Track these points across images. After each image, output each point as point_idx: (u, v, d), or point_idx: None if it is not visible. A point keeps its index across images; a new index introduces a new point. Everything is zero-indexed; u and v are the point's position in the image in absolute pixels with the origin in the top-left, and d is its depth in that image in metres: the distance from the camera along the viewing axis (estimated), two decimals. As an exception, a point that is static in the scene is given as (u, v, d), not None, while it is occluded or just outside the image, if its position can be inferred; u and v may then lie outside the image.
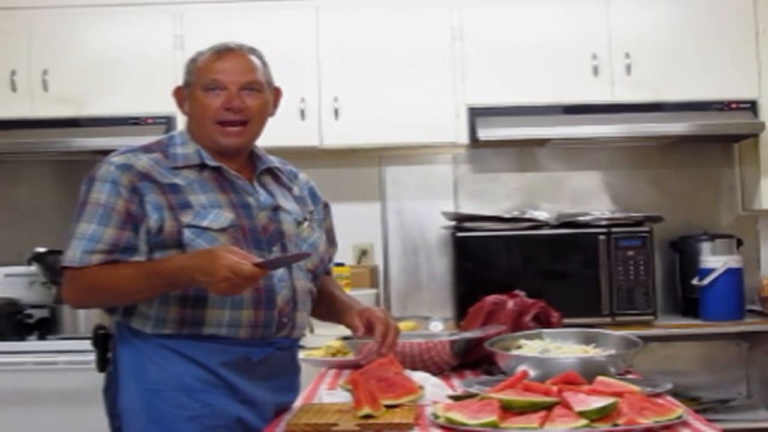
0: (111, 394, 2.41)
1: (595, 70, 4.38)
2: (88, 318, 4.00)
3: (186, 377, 2.32)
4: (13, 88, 4.37)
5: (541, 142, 4.62)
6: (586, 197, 4.77)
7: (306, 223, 2.52)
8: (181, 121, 2.55)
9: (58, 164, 4.72)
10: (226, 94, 2.40)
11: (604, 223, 4.36)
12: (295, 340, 2.50)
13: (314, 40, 4.41)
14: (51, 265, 4.17)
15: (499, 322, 2.84)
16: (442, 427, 1.95)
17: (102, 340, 2.52)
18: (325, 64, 4.40)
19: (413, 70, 4.40)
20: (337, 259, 2.90)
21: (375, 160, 4.77)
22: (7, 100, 4.37)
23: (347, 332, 2.67)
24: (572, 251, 4.35)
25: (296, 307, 2.43)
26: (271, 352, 2.41)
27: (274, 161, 2.57)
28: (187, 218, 2.31)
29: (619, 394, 1.96)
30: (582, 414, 1.86)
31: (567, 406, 1.90)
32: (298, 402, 2.43)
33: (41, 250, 4.26)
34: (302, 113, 4.35)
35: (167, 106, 2.59)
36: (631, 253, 4.29)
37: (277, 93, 2.55)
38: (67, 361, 3.93)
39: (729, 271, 4.29)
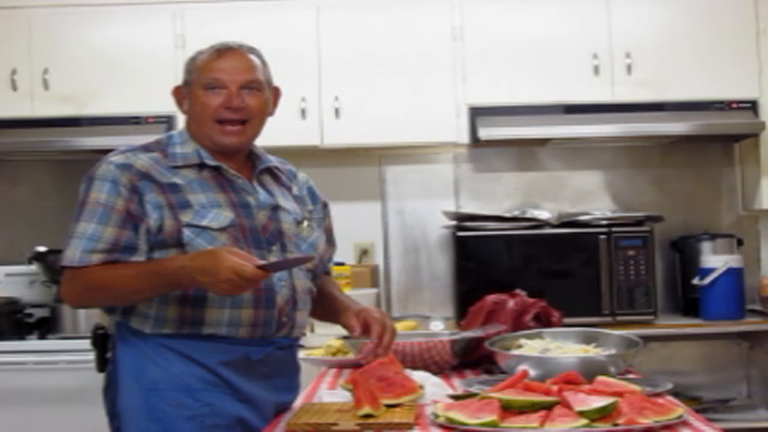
0: (110, 393, 2.41)
1: (596, 70, 4.38)
2: (88, 317, 4.00)
3: (186, 377, 2.32)
4: (14, 88, 4.37)
5: (542, 142, 4.62)
6: (587, 197, 4.77)
7: (305, 223, 2.52)
8: (182, 121, 2.54)
9: (58, 164, 4.72)
10: (226, 93, 2.40)
11: (604, 222, 4.36)
12: (295, 340, 2.50)
13: (315, 39, 4.41)
14: (51, 265, 4.17)
15: (499, 321, 2.84)
16: (442, 426, 1.95)
17: (101, 340, 2.52)
18: (326, 64, 4.40)
19: (414, 70, 4.40)
20: (337, 258, 2.90)
21: (376, 159, 4.77)
22: (8, 99, 4.37)
23: (347, 332, 2.67)
24: (573, 251, 4.35)
25: (296, 307, 2.43)
26: (271, 351, 2.41)
27: (274, 161, 2.56)
28: (186, 217, 2.31)
29: (620, 394, 1.96)
30: (582, 414, 1.86)
31: (567, 405, 1.90)
32: (299, 401, 2.43)
33: (41, 249, 4.26)
34: (303, 112, 4.35)
35: (168, 105, 2.58)
36: (631, 252, 4.29)
37: (276, 92, 2.55)
38: (68, 361, 3.93)
39: (729, 271, 4.28)
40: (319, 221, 2.62)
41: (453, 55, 4.41)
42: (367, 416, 2.02)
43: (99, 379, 2.47)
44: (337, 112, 4.37)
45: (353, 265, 4.57)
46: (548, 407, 1.91)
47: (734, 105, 4.38)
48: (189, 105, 2.47)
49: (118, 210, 2.30)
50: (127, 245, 2.30)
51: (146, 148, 2.42)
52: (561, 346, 2.53)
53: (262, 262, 2.18)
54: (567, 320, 2.95)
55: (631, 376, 2.43)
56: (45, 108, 4.37)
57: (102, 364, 2.50)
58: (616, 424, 1.85)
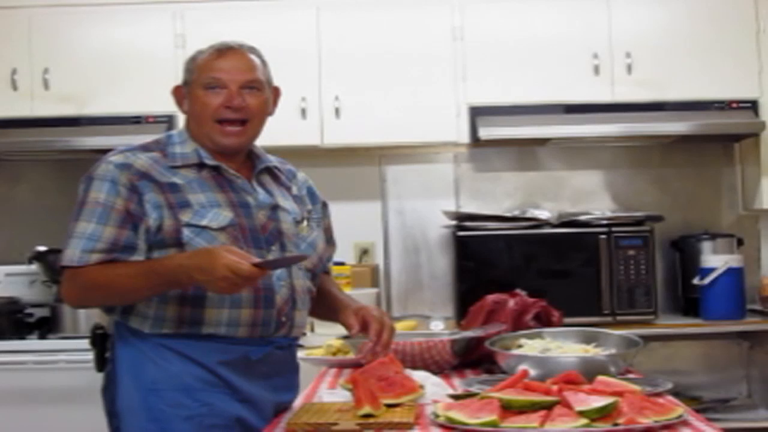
0: (109, 393, 2.41)
1: (596, 70, 4.38)
2: (88, 317, 4.00)
3: (185, 376, 2.32)
4: (14, 87, 4.37)
5: (542, 142, 4.62)
6: (587, 196, 4.77)
7: (305, 222, 2.52)
8: (182, 121, 2.54)
9: (58, 163, 4.72)
10: (227, 93, 2.40)
11: (604, 222, 4.36)
12: (294, 339, 2.50)
13: (315, 39, 4.41)
14: (51, 264, 4.17)
15: (499, 321, 2.84)
16: (442, 426, 1.95)
17: (100, 340, 2.52)
18: (326, 63, 4.40)
19: (414, 70, 4.39)
20: (337, 257, 2.90)
21: (376, 159, 4.77)
22: (8, 99, 4.37)
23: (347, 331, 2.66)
24: (573, 250, 4.34)
25: (295, 306, 2.43)
26: (270, 351, 2.41)
27: (273, 160, 2.56)
28: (186, 217, 2.31)
29: (620, 394, 1.96)
30: (582, 413, 1.86)
31: (567, 405, 1.90)
32: (299, 401, 2.43)
33: (42, 249, 4.26)
34: (303, 112, 4.35)
35: (168, 105, 2.58)
36: (631, 252, 4.29)
37: (276, 92, 2.55)
38: (68, 360, 3.93)
39: (730, 271, 4.28)
40: (319, 221, 2.62)
41: (453, 54, 4.41)
42: (368, 416, 2.02)
43: (99, 378, 2.47)
44: (337, 111, 4.37)
45: (353, 264, 4.57)
46: (548, 407, 1.91)
47: (734, 105, 4.38)
48: (189, 104, 2.47)
49: (118, 210, 2.30)
50: (126, 245, 2.30)
51: (145, 148, 2.42)
52: (561, 346, 2.53)
53: (258, 261, 2.18)
54: (567, 320, 2.95)
55: (631, 375, 2.43)
56: (45, 108, 4.37)
57: (101, 363, 2.50)
58: (616, 424, 1.85)
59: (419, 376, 2.39)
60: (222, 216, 2.34)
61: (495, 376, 2.45)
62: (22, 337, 4.18)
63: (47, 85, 4.37)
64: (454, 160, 4.80)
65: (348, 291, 3.48)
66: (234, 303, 2.31)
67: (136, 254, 2.30)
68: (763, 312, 4.39)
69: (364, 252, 4.75)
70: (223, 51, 2.43)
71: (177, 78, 2.52)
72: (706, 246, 4.44)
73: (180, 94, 2.50)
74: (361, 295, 3.67)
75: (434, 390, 2.31)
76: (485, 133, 4.32)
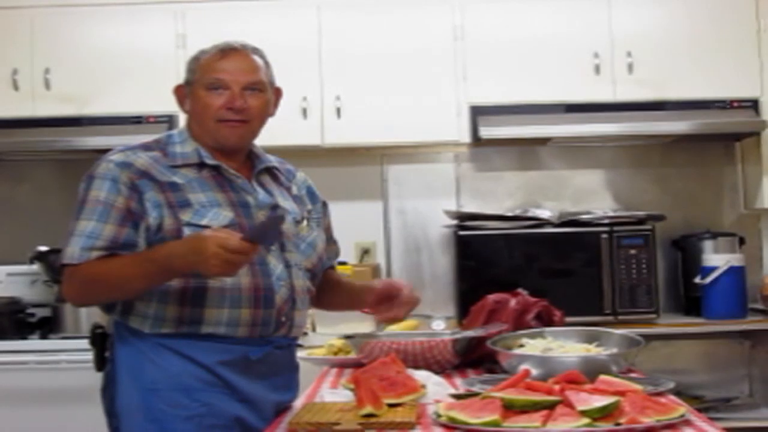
0: (109, 393, 2.41)
1: (597, 69, 4.38)
2: (89, 317, 3.99)
3: (184, 376, 2.32)
4: (15, 87, 4.37)
5: (543, 141, 4.62)
6: (589, 196, 4.77)
7: (304, 222, 2.53)
8: (183, 121, 2.54)
9: (60, 163, 4.72)
10: (229, 94, 2.40)
11: (606, 221, 4.35)
12: (294, 339, 2.50)
13: (316, 38, 4.41)
14: (53, 264, 4.17)
15: (501, 320, 2.84)
16: (444, 426, 1.95)
17: (100, 340, 2.52)
18: (327, 63, 4.40)
19: (415, 69, 4.40)
20: (338, 257, 2.89)
21: (377, 158, 4.77)
22: (9, 99, 4.37)
23: (349, 331, 2.66)
24: (574, 250, 4.34)
25: (295, 306, 2.43)
26: (270, 350, 2.41)
27: (273, 160, 2.57)
28: (186, 216, 2.31)
29: (621, 393, 1.96)
30: (584, 413, 1.86)
31: (569, 405, 1.90)
32: (300, 401, 2.43)
33: (43, 248, 4.26)
34: (304, 112, 4.36)
35: (169, 104, 2.58)
36: (633, 251, 4.29)
37: (277, 93, 2.55)
38: (69, 360, 3.93)
39: (731, 270, 4.28)
40: (318, 221, 2.63)
41: (454, 54, 4.41)
42: (369, 416, 2.02)
43: (100, 378, 2.47)
44: (338, 111, 4.37)
45: (355, 264, 4.57)
46: (550, 406, 1.90)
47: (735, 104, 4.38)
48: (191, 104, 2.47)
49: (118, 208, 2.30)
50: (126, 242, 2.30)
51: (146, 147, 2.42)
52: (563, 346, 2.53)
53: (244, 234, 2.16)
54: (568, 319, 2.95)
55: (632, 375, 2.43)
56: (46, 108, 4.37)
57: (100, 363, 2.50)
58: (618, 424, 1.85)
59: (421, 375, 2.39)
60: (222, 215, 2.35)
61: (496, 375, 2.45)
62: (23, 337, 4.18)
63: (48, 85, 4.37)
64: (455, 159, 4.80)
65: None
66: (234, 303, 2.31)
67: (135, 252, 2.30)
68: (765, 311, 4.38)
69: (366, 252, 4.75)
70: (227, 52, 2.43)
71: (178, 78, 2.52)
72: (708, 245, 4.44)
73: (181, 93, 2.50)
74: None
75: (436, 390, 2.30)
76: (486, 132, 4.32)
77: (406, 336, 2.94)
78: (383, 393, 2.14)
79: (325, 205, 2.71)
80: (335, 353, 3.00)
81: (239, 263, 2.16)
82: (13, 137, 4.38)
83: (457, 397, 2.18)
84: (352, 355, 2.84)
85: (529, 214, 4.48)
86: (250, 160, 2.52)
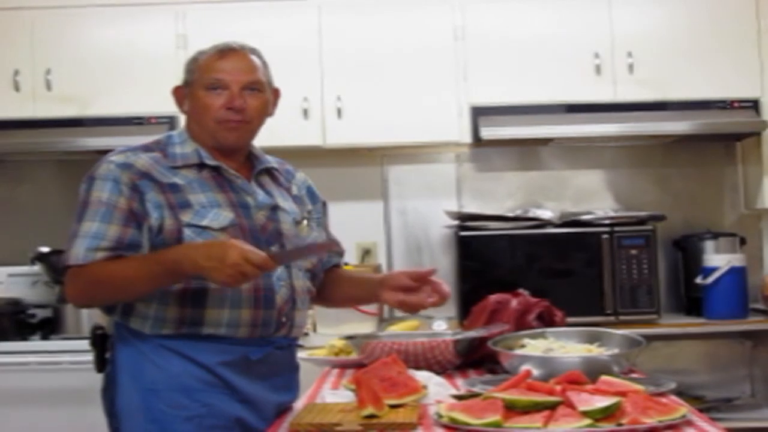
0: (109, 394, 2.41)
1: (598, 69, 4.38)
2: (90, 318, 3.99)
3: (184, 377, 2.32)
4: (16, 88, 4.37)
5: (544, 141, 4.62)
6: (589, 196, 4.77)
7: (304, 223, 2.53)
8: (184, 121, 2.54)
9: (61, 164, 4.73)
10: (228, 94, 2.40)
11: (607, 222, 4.35)
12: (294, 339, 2.51)
13: (317, 39, 4.41)
14: (54, 265, 4.17)
15: (502, 321, 2.84)
16: (445, 426, 1.95)
17: (100, 340, 2.52)
18: (328, 64, 4.40)
19: (416, 70, 4.40)
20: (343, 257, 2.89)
21: (378, 159, 4.77)
22: (10, 99, 4.37)
23: (350, 331, 2.66)
24: (575, 250, 4.34)
25: (295, 306, 2.43)
26: (270, 351, 2.41)
27: (272, 161, 2.57)
28: (186, 217, 2.32)
29: (623, 394, 1.96)
30: (586, 413, 1.86)
31: (570, 405, 1.90)
32: (302, 402, 2.43)
33: (44, 249, 4.26)
34: (305, 113, 4.36)
35: (170, 105, 2.58)
36: (634, 251, 4.29)
37: (276, 93, 2.55)
38: (70, 361, 3.93)
39: (732, 270, 4.28)
40: (319, 221, 2.63)
41: (455, 54, 4.41)
42: (371, 416, 2.02)
43: (101, 379, 2.47)
44: (339, 112, 4.37)
45: (356, 265, 4.57)
46: (552, 407, 1.90)
47: (736, 104, 4.38)
48: (190, 105, 2.47)
49: (121, 208, 2.30)
50: (131, 243, 2.30)
51: (146, 148, 2.43)
52: (564, 346, 2.53)
53: (272, 252, 2.18)
54: (570, 320, 2.95)
55: (634, 375, 2.43)
56: (47, 108, 4.37)
57: (101, 364, 2.50)
58: (619, 424, 1.85)
59: (422, 376, 2.38)
60: (222, 216, 2.35)
61: (498, 376, 2.45)
62: (24, 338, 4.18)
63: (49, 86, 4.38)
64: (456, 160, 4.80)
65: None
66: (234, 303, 2.32)
67: (140, 252, 2.31)
68: (766, 311, 4.39)
69: (367, 252, 4.75)
70: (225, 52, 2.44)
71: (179, 78, 2.52)
72: (709, 245, 4.44)
73: (180, 94, 2.50)
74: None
75: (437, 390, 2.30)
76: (487, 132, 4.32)
77: (408, 336, 2.94)
78: (384, 394, 2.14)
79: (324, 205, 2.71)
80: (336, 354, 3.00)
81: (252, 278, 2.17)
82: (14, 138, 4.38)
83: (459, 397, 2.18)
84: (354, 356, 2.84)
85: (530, 215, 4.48)
86: (249, 161, 2.53)
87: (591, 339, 2.58)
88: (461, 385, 2.45)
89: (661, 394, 2.17)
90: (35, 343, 4.13)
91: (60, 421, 3.92)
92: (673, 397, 2.18)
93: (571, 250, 4.35)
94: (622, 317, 4.26)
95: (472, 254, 4.37)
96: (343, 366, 2.88)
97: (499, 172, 4.80)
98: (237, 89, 2.41)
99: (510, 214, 4.51)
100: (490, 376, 2.49)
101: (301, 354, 2.64)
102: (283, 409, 2.40)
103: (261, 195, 2.46)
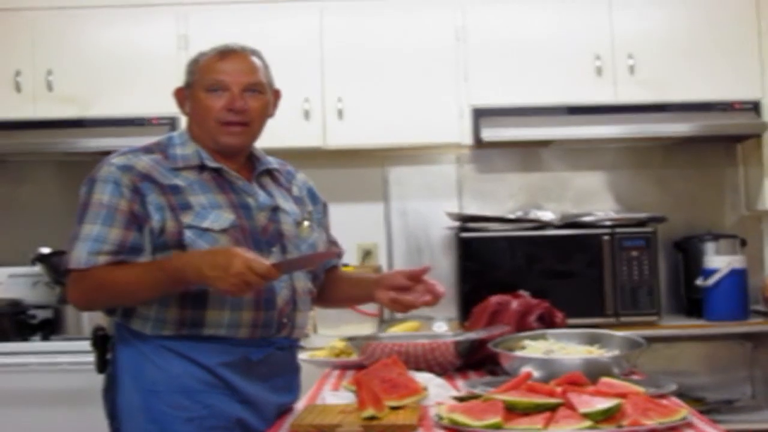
0: (110, 395, 2.42)
1: (599, 71, 4.38)
2: (91, 319, 3.99)
3: (185, 378, 2.32)
4: (17, 89, 4.38)
5: (545, 143, 4.62)
6: (590, 197, 4.77)
7: (305, 224, 2.53)
8: (185, 122, 2.54)
9: (62, 165, 4.73)
10: (229, 95, 2.41)
11: (608, 223, 4.35)
12: (295, 340, 2.51)
13: (318, 40, 4.41)
14: (55, 266, 4.18)
15: (503, 322, 2.84)
16: (446, 428, 1.95)
17: (101, 341, 2.52)
18: (329, 65, 4.40)
19: (417, 71, 4.40)
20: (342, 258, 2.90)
21: (379, 160, 4.77)
22: (11, 100, 4.37)
23: (350, 333, 2.65)
24: (576, 251, 4.35)
25: (296, 307, 2.43)
26: (271, 352, 2.41)
27: (273, 162, 2.57)
28: (187, 219, 2.32)
29: (624, 395, 1.96)
30: (586, 415, 1.86)
31: (571, 407, 1.90)
32: (302, 403, 2.43)
33: (45, 250, 4.27)
34: (306, 114, 4.36)
35: (172, 106, 2.59)
36: (635, 253, 4.29)
37: (276, 94, 2.55)
38: (71, 362, 3.93)
39: (733, 272, 4.28)
40: (320, 222, 2.63)
41: (456, 56, 4.42)
42: (371, 418, 2.02)
43: (101, 380, 2.47)
44: (340, 113, 4.37)
45: (356, 266, 4.58)
46: (552, 409, 1.90)
47: (737, 106, 4.38)
48: (191, 106, 2.47)
49: (122, 211, 2.30)
50: (133, 246, 2.30)
51: (147, 150, 2.43)
52: (565, 347, 2.52)
53: (276, 262, 2.19)
54: (570, 321, 2.95)
55: (634, 377, 2.43)
56: (48, 109, 4.37)
57: (102, 365, 2.50)
58: (620, 426, 1.85)
59: (422, 377, 2.38)
60: (223, 218, 2.35)
61: (498, 377, 2.45)
62: (25, 339, 4.18)
63: (50, 87, 4.38)
64: (457, 161, 4.80)
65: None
66: (235, 305, 2.31)
67: (142, 256, 2.31)
68: (767, 313, 4.39)
69: (367, 253, 4.75)
70: (226, 53, 2.44)
71: (180, 80, 2.52)
72: (709, 247, 4.43)
73: (182, 95, 2.51)
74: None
75: (438, 392, 2.30)
76: (488, 134, 4.32)
77: (408, 338, 2.94)
78: (385, 395, 2.14)
79: (325, 206, 2.71)
80: (337, 355, 3.00)
81: (256, 287, 2.18)
82: (14, 139, 4.38)
83: (459, 399, 2.18)
84: (354, 357, 2.84)
85: (531, 216, 4.48)
86: (250, 162, 2.53)
87: (591, 340, 2.58)
88: (462, 386, 2.45)
89: (662, 396, 2.17)
90: (36, 344, 4.13)
91: (60, 421, 3.92)
92: (674, 399, 2.18)
93: (571, 252, 4.35)
94: (622, 319, 4.26)
95: (473, 255, 4.37)
96: (344, 367, 2.88)
97: (499, 173, 4.80)
98: (238, 91, 2.41)
99: (511, 216, 4.51)
100: (490, 378, 2.49)
101: (301, 355, 2.64)
102: (284, 410, 2.40)
103: (262, 196, 2.46)
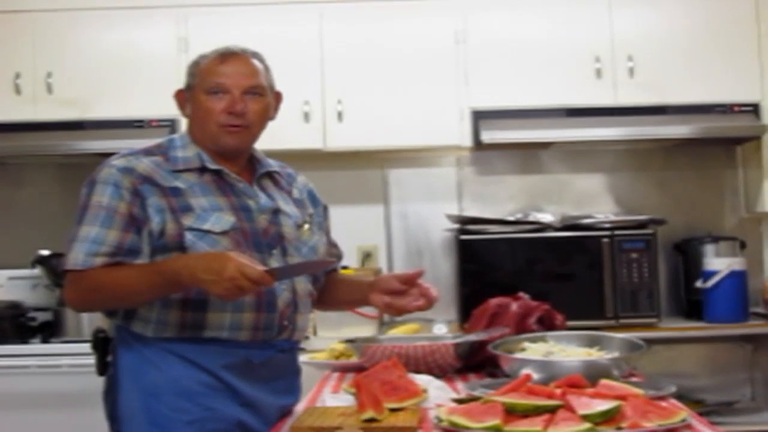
0: (111, 397, 2.42)
1: (598, 73, 4.38)
2: (91, 321, 4.00)
3: (186, 381, 2.32)
4: (17, 91, 4.38)
5: (545, 145, 4.62)
6: (590, 200, 4.77)
7: (306, 226, 2.53)
8: (185, 124, 2.55)
9: (61, 167, 4.73)
10: (229, 98, 2.41)
11: (607, 225, 4.36)
12: (296, 343, 2.51)
13: (318, 43, 4.41)
14: (54, 268, 4.18)
15: (502, 324, 2.84)
16: (445, 430, 1.95)
17: (102, 344, 2.52)
18: (329, 67, 4.40)
19: (417, 73, 4.40)
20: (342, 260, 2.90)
21: (379, 162, 4.77)
22: (11, 102, 4.38)
23: (350, 335, 2.65)
24: (576, 254, 4.35)
25: (297, 310, 2.43)
26: (272, 354, 2.41)
27: (274, 165, 2.57)
28: (188, 221, 2.32)
29: (623, 397, 1.96)
30: (586, 417, 1.86)
31: (571, 409, 1.90)
32: (302, 405, 2.43)
33: (45, 252, 4.27)
34: (306, 116, 4.36)
35: (172, 108, 2.59)
36: (634, 255, 4.29)
37: (278, 97, 2.55)
38: (71, 365, 3.93)
39: (733, 274, 4.28)
40: (320, 224, 2.63)
41: (456, 58, 4.42)
42: (371, 420, 2.02)
43: (101, 383, 2.47)
44: (340, 115, 4.38)
45: (356, 268, 4.58)
46: (552, 411, 1.90)
47: (736, 108, 4.38)
48: (191, 109, 2.47)
49: (121, 213, 2.31)
50: (130, 248, 2.30)
51: (147, 152, 2.43)
52: (564, 350, 2.52)
53: (269, 268, 2.19)
54: (570, 323, 2.95)
55: (634, 379, 2.43)
56: (48, 111, 4.37)
57: (102, 367, 2.50)
58: (619, 428, 1.85)
59: (422, 379, 2.38)
60: (224, 220, 2.35)
61: (498, 379, 2.45)
62: (24, 341, 4.18)
63: (50, 89, 4.38)
64: (457, 163, 4.80)
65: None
66: (236, 307, 2.32)
67: (140, 258, 2.31)
68: (766, 315, 4.39)
69: (367, 255, 4.75)
70: (227, 56, 2.44)
71: (180, 82, 2.53)
72: (709, 249, 4.44)
73: (182, 98, 2.51)
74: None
75: (437, 394, 2.30)
76: (488, 136, 4.32)
77: (408, 340, 2.94)
78: (385, 397, 2.14)
79: (325, 208, 2.71)
80: (337, 357, 3.00)
81: (249, 292, 2.18)
82: (14, 141, 4.38)
83: (459, 401, 2.18)
84: (354, 359, 2.84)
85: (531, 218, 4.48)
86: (251, 164, 2.53)
87: (591, 342, 2.58)
88: (461, 388, 2.45)
89: (661, 398, 2.17)
90: (35, 346, 4.13)
91: (60, 424, 3.92)
92: (673, 401, 2.18)
93: (571, 254, 4.35)
94: (622, 321, 4.26)
95: (473, 258, 4.38)
96: (344, 369, 2.88)
97: (499, 175, 4.80)
98: (238, 93, 2.41)
99: (511, 218, 4.52)
100: (490, 380, 2.49)
101: (301, 357, 2.64)
102: (285, 413, 2.40)
103: (263, 198, 2.46)
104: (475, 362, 2.75)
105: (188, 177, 2.40)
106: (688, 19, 4.44)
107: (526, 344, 2.60)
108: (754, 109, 4.38)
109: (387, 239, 4.79)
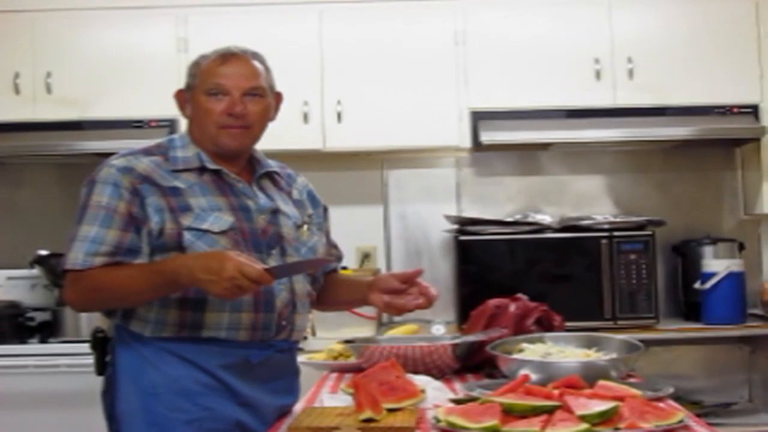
0: (109, 397, 2.42)
1: (598, 75, 4.38)
2: (90, 321, 4.00)
3: (185, 380, 2.32)
4: (17, 91, 4.38)
5: (544, 146, 4.62)
6: (589, 201, 4.77)
7: (305, 227, 2.53)
8: (184, 125, 2.55)
9: (60, 167, 4.73)
10: (229, 100, 2.41)
11: (606, 226, 4.36)
12: (294, 343, 2.51)
13: (317, 43, 4.41)
14: (53, 268, 4.18)
15: (501, 325, 2.84)
16: (443, 430, 1.95)
17: (101, 344, 2.52)
18: (329, 68, 4.40)
19: (416, 74, 4.40)
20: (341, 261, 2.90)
21: (378, 163, 4.77)
22: (11, 102, 4.37)
23: (349, 335, 2.65)
24: (575, 255, 4.35)
25: (295, 310, 2.43)
26: (271, 354, 2.41)
27: (273, 165, 2.58)
28: (187, 221, 2.32)
29: (621, 398, 1.96)
30: (583, 418, 1.86)
31: (568, 410, 1.90)
32: (300, 405, 2.43)
33: (43, 252, 4.27)
34: (305, 116, 4.36)
35: (171, 109, 2.59)
36: (633, 256, 4.29)
37: (278, 98, 2.55)
38: (69, 364, 3.93)
39: (731, 275, 4.28)
40: (320, 225, 2.63)
41: (455, 59, 4.42)
42: (369, 420, 2.02)
43: (100, 382, 2.47)
44: (339, 116, 4.38)
45: (355, 269, 4.58)
46: (549, 411, 1.91)
47: (735, 109, 4.38)
48: (191, 109, 2.47)
49: (121, 213, 2.31)
50: (130, 248, 2.30)
51: (147, 152, 2.43)
52: (562, 350, 2.53)
53: (268, 267, 2.19)
54: (568, 324, 2.95)
55: (632, 380, 2.43)
56: (47, 111, 4.37)
57: (101, 367, 2.50)
58: (617, 429, 1.85)
59: (420, 380, 2.39)
60: (223, 220, 2.35)
61: (496, 380, 2.45)
62: (23, 341, 4.18)
63: (50, 89, 4.38)
64: (456, 164, 4.80)
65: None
66: (234, 307, 2.32)
67: (139, 257, 2.31)
68: (765, 316, 4.39)
69: (366, 256, 4.75)
70: (227, 57, 2.44)
71: (180, 82, 2.53)
72: (708, 250, 4.44)
73: (182, 98, 2.51)
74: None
75: (435, 394, 2.31)
76: (487, 137, 4.32)
77: (406, 340, 2.95)
78: (383, 397, 2.14)
79: (325, 209, 2.71)
80: (335, 358, 3.00)
81: (248, 291, 2.18)
82: (14, 141, 4.38)
83: (457, 401, 2.19)
84: (352, 360, 2.84)
85: (530, 219, 4.49)
86: (250, 165, 2.53)
87: (589, 344, 2.58)
88: (459, 389, 2.45)
89: (659, 399, 2.18)
90: (34, 346, 4.13)
91: (59, 424, 3.92)
92: (671, 402, 2.18)
93: (570, 255, 4.35)
94: (620, 322, 4.26)
95: (472, 258, 4.38)
96: (342, 370, 2.88)
97: (498, 176, 4.80)
98: (238, 95, 2.41)
99: (509, 219, 4.52)
100: (488, 381, 2.49)
101: (300, 358, 2.65)
102: (284, 413, 2.41)
103: (262, 199, 2.46)
104: (473, 363, 2.75)
105: (188, 177, 2.40)
106: (687, 20, 4.45)
107: (525, 345, 2.60)
108: (754, 110, 4.39)
109: (386, 240, 4.79)
